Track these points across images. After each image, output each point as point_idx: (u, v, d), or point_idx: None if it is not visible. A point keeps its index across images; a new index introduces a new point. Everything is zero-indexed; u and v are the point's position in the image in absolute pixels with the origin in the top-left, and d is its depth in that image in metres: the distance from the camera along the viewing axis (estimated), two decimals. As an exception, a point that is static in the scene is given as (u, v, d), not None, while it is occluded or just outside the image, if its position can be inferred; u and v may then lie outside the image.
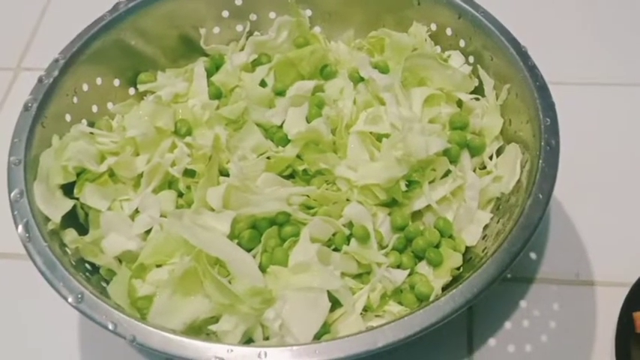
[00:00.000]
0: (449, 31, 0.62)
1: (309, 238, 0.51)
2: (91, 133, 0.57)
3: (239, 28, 0.67)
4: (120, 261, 0.53)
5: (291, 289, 0.49)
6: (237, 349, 0.44)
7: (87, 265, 0.53)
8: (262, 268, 0.51)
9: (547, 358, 0.56)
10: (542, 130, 0.52)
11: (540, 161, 0.51)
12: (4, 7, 0.87)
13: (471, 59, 0.61)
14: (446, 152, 0.56)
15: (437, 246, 0.54)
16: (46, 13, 0.86)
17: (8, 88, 0.79)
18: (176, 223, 0.50)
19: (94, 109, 0.61)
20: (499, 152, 0.58)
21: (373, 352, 0.44)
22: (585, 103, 0.71)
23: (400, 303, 0.52)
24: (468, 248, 0.55)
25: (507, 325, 0.58)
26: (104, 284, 0.52)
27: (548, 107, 0.54)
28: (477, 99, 0.60)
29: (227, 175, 0.56)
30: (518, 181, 0.54)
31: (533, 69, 0.56)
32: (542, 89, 0.54)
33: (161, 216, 0.53)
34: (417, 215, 0.56)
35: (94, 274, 0.53)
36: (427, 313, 0.45)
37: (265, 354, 0.43)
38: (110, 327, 0.45)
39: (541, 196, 0.49)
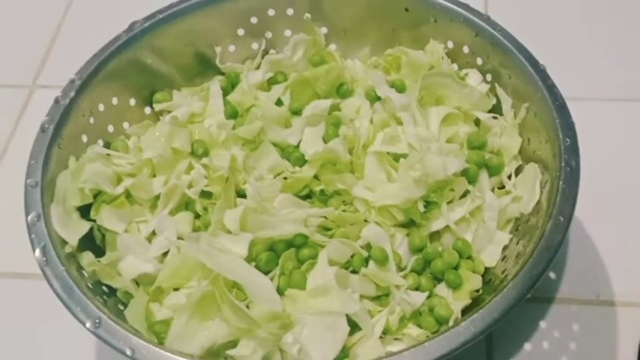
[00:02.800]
0: (466, 49, 0.62)
1: (327, 261, 0.51)
2: (108, 154, 0.56)
3: (254, 46, 0.67)
4: (137, 283, 0.53)
5: (309, 312, 0.49)
6: (256, 376, 0.44)
7: (104, 288, 0.52)
8: (280, 291, 0.50)
9: (568, 380, 0.56)
10: (562, 151, 0.52)
11: (561, 182, 0.50)
12: (20, 24, 0.87)
13: (489, 77, 0.61)
14: (464, 172, 0.55)
15: (456, 267, 0.54)
16: (60, 30, 0.86)
17: (24, 106, 0.79)
18: (193, 246, 0.50)
19: (110, 129, 0.61)
20: (518, 172, 0.58)
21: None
22: (603, 118, 0.71)
23: (419, 326, 0.51)
24: (487, 269, 0.55)
25: (527, 346, 0.57)
26: (121, 307, 0.52)
27: (568, 127, 0.53)
28: (495, 118, 0.60)
29: (243, 195, 0.55)
30: (538, 202, 0.53)
31: (552, 88, 0.55)
32: (562, 109, 0.54)
33: (178, 238, 0.53)
34: (435, 236, 0.56)
35: (110, 296, 0.52)
36: (447, 339, 0.44)
37: (285, 381, 0.43)
38: (128, 352, 0.45)
39: (562, 219, 0.49)
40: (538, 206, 0.53)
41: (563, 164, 0.51)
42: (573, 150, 0.52)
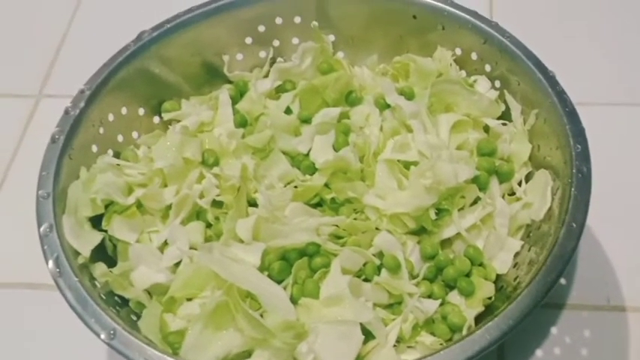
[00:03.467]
0: (474, 56, 0.62)
1: (340, 270, 0.51)
2: (119, 164, 0.57)
3: (262, 54, 0.67)
4: (149, 293, 0.53)
5: (323, 322, 0.49)
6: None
7: (116, 299, 0.52)
8: (293, 301, 0.50)
9: (580, 387, 0.56)
10: (573, 157, 0.52)
11: (573, 189, 0.50)
12: (25, 34, 0.87)
13: (497, 84, 0.61)
14: (475, 179, 0.55)
15: (467, 275, 0.54)
16: (66, 40, 0.86)
17: (30, 115, 0.79)
18: (206, 256, 0.50)
19: (120, 138, 0.61)
20: (528, 178, 0.58)
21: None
22: (609, 123, 0.71)
23: (432, 334, 0.51)
24: (498, 276, 0.55)
25: (538, 352, 0.57)
26: (134, 317, 0.52)
27: (579, 133, 0.53)
28: (504, 124, 0.60)
29: (254, 204, 0.55)
30: (550, 208, 0.53)
31: (561, 94, 0.55)
32: (572, 115, 0.54)
33: (190, 248, 0.53)
34: (446, 243, 0.56)
35: (123, 307, 0.52)
36: (463, 347, 0.44)
37: (301, 392, 0.43)
38: (143, 364, 0.45)
39: (574, 225, 0.49)
40: (550, 213, 0.53)
41: (574, 171, 0.51)
42: (584, 156, 0.52)
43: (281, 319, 0.47)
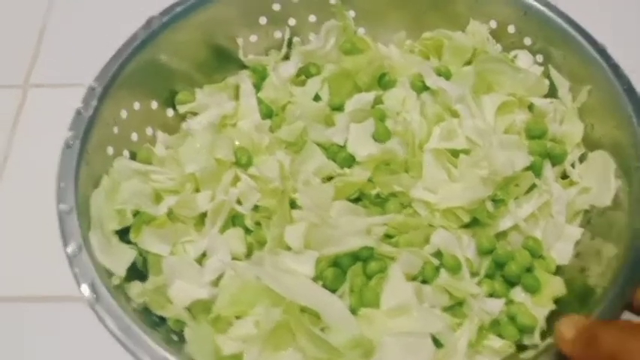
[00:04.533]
0: (511, 29, 0.58)
1: (402, 276, 0.47)
2: (144, 170, 0.51)
3: (277, 34, 0.62)
4: (189, 311, 0.48)
5: (389, 334, 0.45)
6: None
7: (154, 317, 0.48)
8: (353, 312, 0.46)
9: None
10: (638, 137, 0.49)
11: (646, 172, 0.47)
12: (3, 22, 0.80)
13: (539, 58, 0.57)
14: (529, 166, 0.52)
15: (529, 269, 0.50)
16: (47, 26, 0.79)
17: (20, 106, 0.72)
18: (256, 269, 0.45)
19: (134, 137, 0.55)
20: (581, 160, 0.54)
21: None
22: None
23: (500, 336, 0.48)
24: (558, 268, 0.51)
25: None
26: (174, 337, 0.47)
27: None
28: (551, 103, 0.56)
29: (293, 205, 0.51)
30: (616, 195, 0.50)
31: (616, 68, 0.52)
32: (631, 92, 0.51)
33: (232, 258, 0.49)
34: (500, 236, 0.52)
35: (161, 325, 0.48)
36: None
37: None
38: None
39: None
40: (616, 199, 0.50)
41: (642, 151, 0.48)
42: (648, 137, 0.49)
43: (347, 336, 0.43)
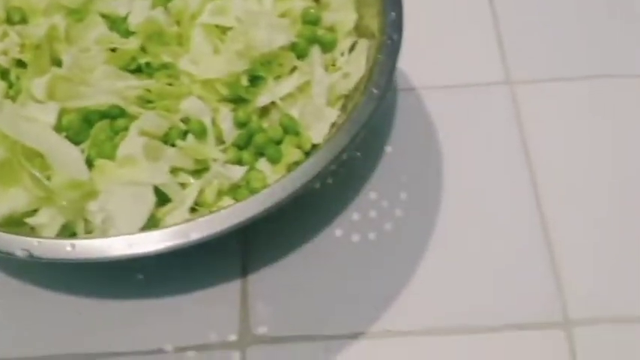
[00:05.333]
0: None
1: (137, 132, 0.49)
2: None
3: None
4: None
5: (116, 182, 0.48)
6: (45, 242, 0.43)
7: None
8: (89, 162, 0.49)
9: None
10: (386, 24, 0.51)
11: (380, 55, 0.50)
12: None
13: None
14: (293, 47, 0.54)
15: (279, 143, 0.53)
16: None
17: None
18: (-5, 115, 0.48)
19: None
20: (353, 49, 0.57)
21: (185, 246, 0.43)
22: None
23: (235, 199, 0.51)
24: (314, 146, 0.54)
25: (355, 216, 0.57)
26: None
27: (395, 1, 0.52)
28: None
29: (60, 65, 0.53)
30: (363, 76, 0.52)
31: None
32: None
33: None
34: (264, 113, 0.55)
35: None
36: (258, 200, 0.44)
37: (74, 245, 0.42)
38: None
39: (375, 91, 0.48)
40: (361, 80, 0.52)
41: (385, 37, 0.50)
42: (398, 24, 0.51)
43: (67, 179, 0.46)
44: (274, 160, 0.52)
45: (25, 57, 0.52)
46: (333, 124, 0.54)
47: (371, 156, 0.60)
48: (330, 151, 0.46)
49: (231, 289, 0.54)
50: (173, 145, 0.51)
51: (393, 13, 0.51)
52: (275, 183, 0.45)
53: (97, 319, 0.52)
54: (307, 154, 0.53)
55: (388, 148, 0.61)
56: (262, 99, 0.54)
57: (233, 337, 0.52)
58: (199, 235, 0.43)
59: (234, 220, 0.44)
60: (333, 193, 0.58)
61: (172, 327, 0.52)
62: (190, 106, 0.52)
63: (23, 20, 0.55)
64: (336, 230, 0.56)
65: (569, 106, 0.63)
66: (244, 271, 0.55)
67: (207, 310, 0.53)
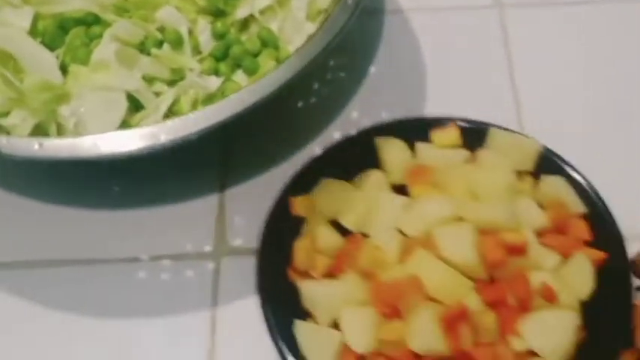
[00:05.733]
0: None
1: (111, 38, 0.49)
2: None
3: None
4: None
5: (89, 87, 0.48)
6: (14, 140, 0.43)
7: None
8: (64, 67, 0.49)
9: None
10: None
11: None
12: None
13: None
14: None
15: (256, 55, 0.53)
16: None
17: None
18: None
19: None
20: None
21: (155, 150, 0.43)
22: None
23: (210, 108, 0.51)
24: (291, 57, 0.54)
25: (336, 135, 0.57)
26: None
27: None
28: None
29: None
30: (339, -10, 0.52)
31: None
32: None
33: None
34: (244, 27, 0.54)
35: None
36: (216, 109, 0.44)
37: (42, 144, 0.42)
38: None
39: (349, 2, 0.48)
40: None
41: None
42: None
43: (38, 81, 0.46)
44: (251, 72, 0.52)
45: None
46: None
47: (354, 77, 0.60)
48: (301, 59, 0.46)
49: (209, 202, 0.54)
50: (149, 55, 0.51)
51: None
52: (245, 88, 0.45)
53: (72, 227, 0.53)
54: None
55: (372, 69, 0.60)
56: (241, 11, 0.53)
57: (208, 248, 0.52)
58: (169, 137, 0.43)
59: (204, 123, 0.44)
60: (315, 113, 0.58)
61: (148, 238, 0.52)
62: (166, 15, 0.52)
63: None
64: (316, 148, 0.56)
65: (556, 30, 0.62)
66: (222, 186, 0.55)
67: (184, 222, 0.53)
